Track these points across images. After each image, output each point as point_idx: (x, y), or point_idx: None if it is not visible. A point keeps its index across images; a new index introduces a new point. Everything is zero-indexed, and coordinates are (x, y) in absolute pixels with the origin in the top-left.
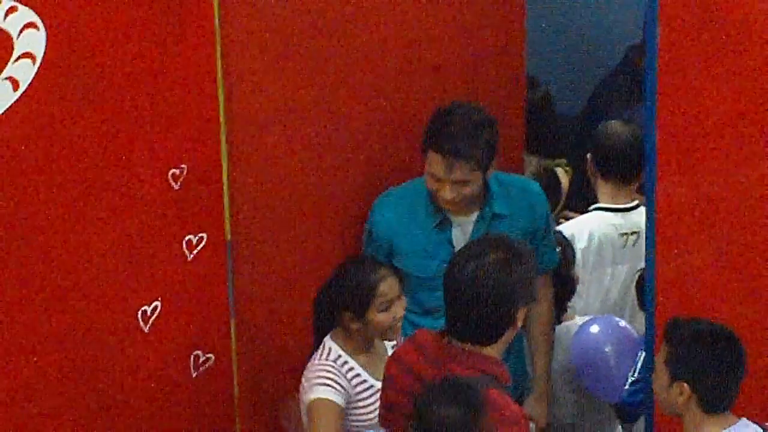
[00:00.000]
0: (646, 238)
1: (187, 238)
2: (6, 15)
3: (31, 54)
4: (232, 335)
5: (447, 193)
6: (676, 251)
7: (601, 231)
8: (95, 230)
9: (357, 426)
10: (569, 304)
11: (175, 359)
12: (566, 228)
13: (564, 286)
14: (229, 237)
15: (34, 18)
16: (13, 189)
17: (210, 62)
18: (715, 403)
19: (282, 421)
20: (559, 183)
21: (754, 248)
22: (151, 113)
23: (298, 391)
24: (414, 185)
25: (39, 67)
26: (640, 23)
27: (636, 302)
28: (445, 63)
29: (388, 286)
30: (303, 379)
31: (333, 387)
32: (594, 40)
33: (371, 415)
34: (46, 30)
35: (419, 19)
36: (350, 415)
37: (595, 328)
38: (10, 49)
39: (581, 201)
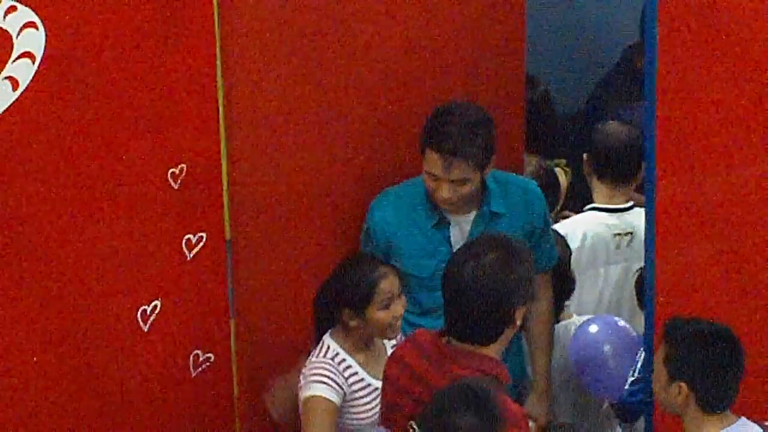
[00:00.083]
0: (646, 237)
1: (186, 237)
2: (5, 14)
3: (31, 53)
4: (232, 335)
5: (444, 193)
6: (675, 251)
7: (595, 231)
8: (95, 229)
9: (354, 424)
10: (565, 303)
11: (174, 359)
12: (560, 227)
13: (563, 285)
14: (228, 236)
15: (34, 17)
16: (13, 188)
17: (209, 61)
18: (714, 402)
19: (267, 405)
20: (558, 183)
21: (754, 248)
22: (151, 112)
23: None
24: (412, 185)
25: (38, 67)
26: (638, 23)
27: (631, 302)
28: (445, 63)
29: (389, 283)
30: (300, 376)
31: (328, 384)
32: (593, 40)
33: (369, 413)
34: (45, 29)
35: (419, 19)
36: (347, 413)
37: (593, 328)
38: (10, 48)
39: (580, 201)
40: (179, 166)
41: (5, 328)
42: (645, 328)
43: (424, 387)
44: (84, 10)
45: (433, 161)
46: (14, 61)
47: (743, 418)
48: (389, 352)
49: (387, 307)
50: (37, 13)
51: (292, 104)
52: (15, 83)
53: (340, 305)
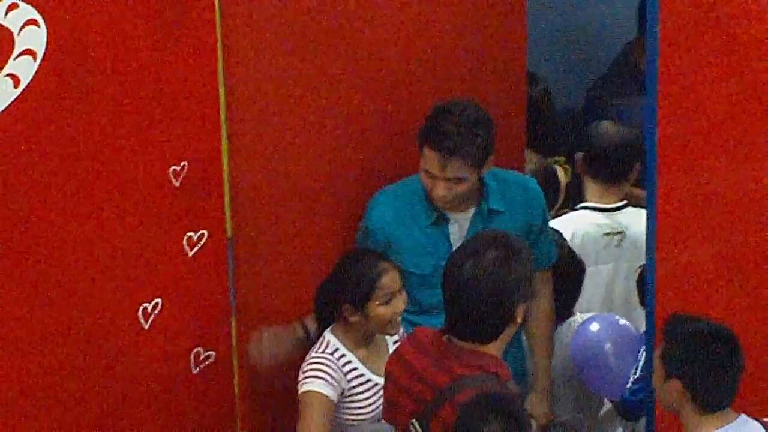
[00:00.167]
0: (647, 236)
1: (187, 235)
2: (7, 12)
3: (32, 51)
4: (233, 332)
5: (440, 190)
6: (676, 249)
7: (584, 230)
8: (96, 227)
9: (353, 420)
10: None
11: (175, 356)
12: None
13: (570, 285)
14: (229, 234)
15: (35, 15)
16: (14, 186)
17: (211, 59)
18: (709, 401)
19: (251, 351)
20: (558, 181)
21: (754, 246)
22: (152, 110)
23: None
24: (410, 182)
25: (40, 64)
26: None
27: (623, 302)
28: (445, 61)
29: (390, 279)
30: (300, 371)
31: (325, 380)
32: (592, 37)
33: (368, 409)
34: (46, 27)
35: (419, 18)
36: (346, 408)
37: (595, 326)
38: (11, 46)
39: (580, 199)
40: (180, 164)
41: (6, 326)
42: (646, 326)
43: (425, 385)
44: (85, 7)
45: (431, 159)
46: (15, 58)
47: (743, 416)
48: (391, 348)
49: (388, 302)
50: (38, 11)
51: (293, 102)
52: (16, 80)
53: (340, 301)
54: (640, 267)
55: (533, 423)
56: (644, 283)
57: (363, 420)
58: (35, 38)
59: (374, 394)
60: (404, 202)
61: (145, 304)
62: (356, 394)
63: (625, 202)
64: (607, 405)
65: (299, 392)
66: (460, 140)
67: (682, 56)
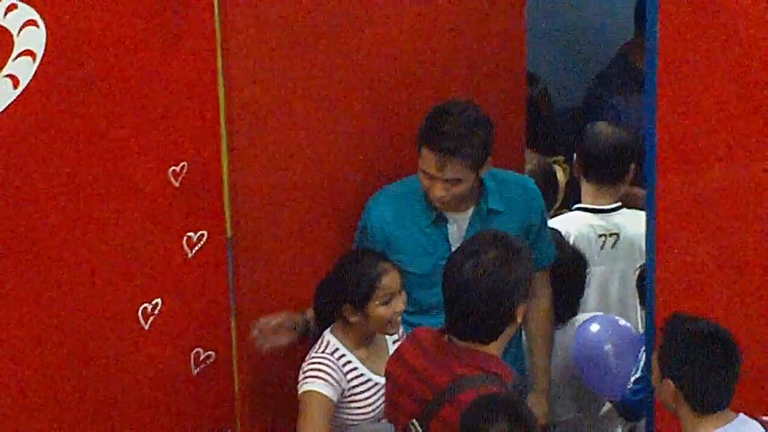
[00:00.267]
0: (646, 236)
1: (187, 235)
2: (6, 12)
3: (31, 51)
4: (233, 332)
5: (438, 191)
6: (676, 249)
7: (579, 231)
8: (96, 228)
9: (354, 420)
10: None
11: (175, 356)
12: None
13: (574, 284)
14: (229, 234)
15: (34, 15)
16: (13, 186)
17: (210, 59)
18: (703, 402)
19: (252, 332)
20: (557, 180)
21: (754, 246)
22: (152, 110)
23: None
24: (409, 182)
25: (39, 65)
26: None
27: (617, 303)
28: (445, 61)
29: (390, 279)
30: (300, 372)
31: (325, 380)
32: (592, 37)
33: (368, 409)
34: (46, 27)
35: (419, 19)
36: (346, 408)
37: (595, 327)
38: (10, 46)
39: (578, 199)
40: (180, 164)
41: (6, 327)
42: (645, 327)
43: (425, 385)
44: (85, 7)
45: (429, 159)
46: (15, 59)
47: (742, 416)
48: (390, 347)
49: (388, 302)
50: (37, 11)
51: (292, 102)
52: (16, 81)
53: (340, 301)
54: (639, 268)
55: None
56: (644, 284)
57: (363, 420)
58: (34, 39)
59: (374, 394)
60: (403, 201)
61: (145, 305)
62: (356, 394)
63: (620, 203)
64: (608, 405)
65: (299, 392)
66: (459, 141)
67: (682, 56)
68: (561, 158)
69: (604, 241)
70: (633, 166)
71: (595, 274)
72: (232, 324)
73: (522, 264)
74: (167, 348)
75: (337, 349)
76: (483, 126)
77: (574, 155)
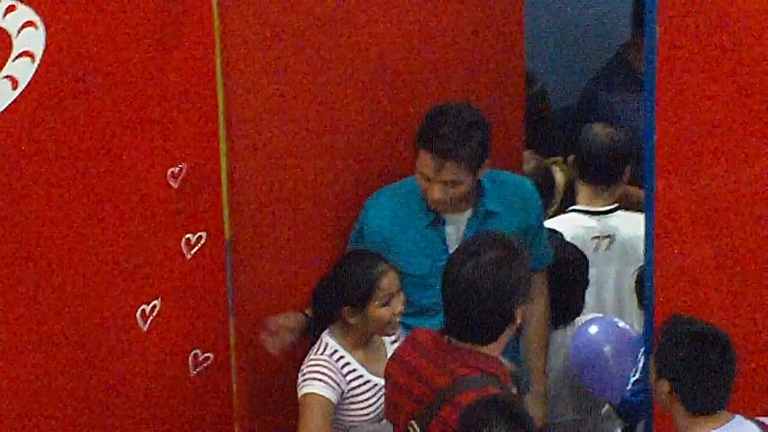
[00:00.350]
0: (645, 236)
1: (186, 236)
2: (5, 13)
3: (30, 53)
4: (231, 334)
5: (435, 193)
6: (675, 250)
7: (573, 233)
8: (94, 229)
9: (353, 421)
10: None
11: (174, 358)
12: None
13: (577, 285)
14: (228, 236)
15: (33, 16)
16: (12, 187)
17: (209, 61)
18: (698, 404)
19: (262, 335)
20: (554, 181)
21: (753, 247)
22: (151, 112)
23: (296, 389)
24: (407, 183)
25: (38, 66)
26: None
27: (612, 305)
28: (444, 62)
29: (389, 280)
30: (299, 374)
31: (325, 382)
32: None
33: (368, 410)
34: (45, 28)
35: (418, 19)
36: (346, 410)
37: (593, 329)
38: (9, 47)
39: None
40: (179, 166)
41: (4, 327)
42: (644, 328)
43: (425, 386)
44: (84, 9)
45: (426, 161)
46: (14, 60)
47: (738, 416)
48: (389, 348)
49: (387, 303)
50: (36, 12)
51: (291, 104)
52: (14, 82)
53: (340, 302)
54: (638, 270)
55: None
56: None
57: (363, 421)
58: (34, 40)
59: (374, 395)
60: (401, 203)
61: (144, 306)
62: (356, 395)
63: (615, 205)
64: (607, 405)
65: (299, 395)
66: (456, 143)
67: (681, 56)
68: (560, 159)
69: (598, 243)
70: (628, 167)
71: (589, 275)
72: (231, 325)
73: (521, 265)
74: (165, 349)
75: (335, 351)
76: (481, 127)
77: (569, 157)
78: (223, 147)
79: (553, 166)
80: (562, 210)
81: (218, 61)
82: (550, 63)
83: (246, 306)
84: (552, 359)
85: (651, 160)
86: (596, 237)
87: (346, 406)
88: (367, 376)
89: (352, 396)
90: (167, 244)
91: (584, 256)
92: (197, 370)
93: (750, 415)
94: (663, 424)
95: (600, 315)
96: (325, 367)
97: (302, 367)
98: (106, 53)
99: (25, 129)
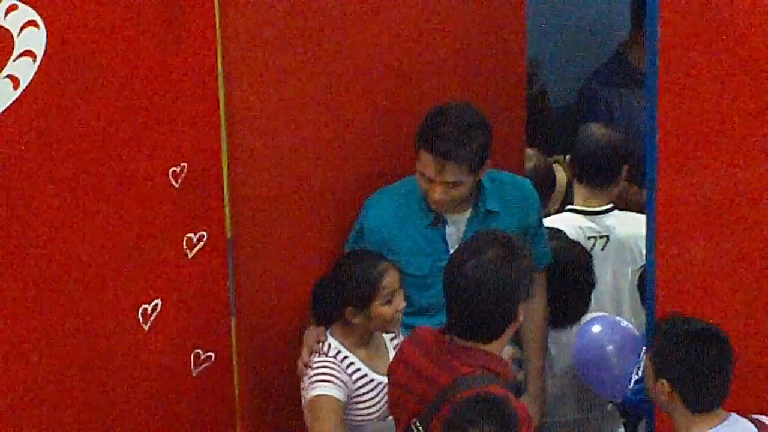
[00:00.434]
0: (647, 236)
1: (187, 236)
2: (6, 13)
3: (32, 52)
4: (233, 334)
5: (436, 194)
6: (676, 249)
7: (568, 233)
8: (95, 229)
9: (360, 420)
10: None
11: (175, 358)
12: None
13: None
14: (229, 235)
15: (35, 16)
16: (14, 187)
17: (210, 60)
18: (697, 402)
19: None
20: (555, 180)
21: (755, 247)
22: (152, 111)
23: (298, 389)
24: (407, 183)
25: (39, 65)
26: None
27: (614, 304)
28: (445, 61)
29: (391, 278)
30: (303, 377)
31: (333, 383)
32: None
33: (374, 409)
34: (46, 28)
35: (418, 18)
36: (353, 409)
37: (596, 328)
38: (11, 47)
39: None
40: (180, 165)
41: (6, 327)
42: (646, 327)
43: (428, 384)
44: (85, 8)
45: (427, 162)
46: (15, 59)
47: (734, 415)
48: (389, 345)
49: (389, 302)
50: (38, 12)
51: (292, 103)
52: (16, 82)
53: (341, 303)
54: (640, 268)
55: None
56: (644, 285)
57: (369, 420)
58: (35, 39)
59: (378, 394)
60: (401, 203)
61: (145, 306)
62: (362, 394)
63: (611, 205)
64: (611, 404)
65: (308, 398)
66: (457, 144)
67: (682, 56)
68: (561, 158)
69: (594, 243)
70: (626, 168)
71: None
72: (232, 325)
73: (522, 262)
74: (167, 349)
75: (339, 352)
76: (482, 128)
77: (568, 157)
78: (224, 146)
79: (555, 165)
80: (561, 209)
81: (219, 60)
82: (550, 62)
83: (247, 305)
84: (557, 359)
85: (652, 159)
86: (592, 237)
87: (352, 406)
88: (371, 374)
89: (358, 395)
90: (169, 244)
91: (589, 256)
92: (199, 369)
93: (752, 413)
94: (664, 422)
95: (604, 314)
96: (331, 368)
97: (306, 369)
98: (108, 53)
99: (26, 129)
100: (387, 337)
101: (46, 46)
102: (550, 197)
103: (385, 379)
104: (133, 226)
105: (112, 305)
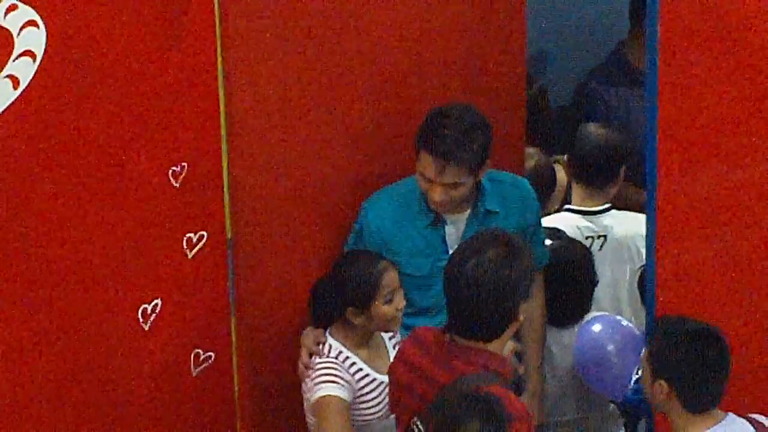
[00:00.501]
0: (647, 236)
1: (187, 236)
2: (6, 13)
3: (32, 52)
4: (233, 333)
5: (436, 195)
6: (676, 249)
7: (566, 232)
8: (95, 228)
9: (363, 420)
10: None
11: (175, 357)
12: None
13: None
14: (229, 235)
15: (34, 16)
16: (14, 187)
17: (210, 60)
18: (696, 402)
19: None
20: (555, 179)
21: (755, 246)
22: (152, 111)
23: (298, 389)
24: (406, 184)
25: (39, 65)
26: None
27: (613, 304)
28: (445, 62)
29: (390, 276)
30: (306, 378)
31: (338, 383)
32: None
33: (377, 408)
34: (46, 28)
35: (419, 18)
36: (357, 409)
37: (597, 327)
38: (11, 47)
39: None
40: (180, 165)
41: (5, 327)
42: (646, 327)
43: (429, 384)
44: (85, 8)
45: (427, 163)
46: (15, 59)
47: (731, 415)
48: (388, 344)
49: (390, 301)
50: (38, 12)
51: (292, 103)
52: (16, 82)
53: (342, 304)
54: (641, 267)
55: None
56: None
57: (372, 419)
58: (35, 39)
59: (380, 393)
60: (401, 203)
61: (145, 305)
62: (365, 394)
63: (609, 205)
64: (612, 404)
65: (313, 399)
66: (458, 146)
67: (682, 56)
68: (562, 157)
69: (591, 243)
70: (623, 168)
71: None
72: (232, 325)
73: (523, 261)
74: (167, 349)
75: (340, 352)
76: (482, 130)
77: (566, 157)
78: (224, 146)
79: (556, 164)
80: (560, 209)
81: (219, 60)
82: (552, 61)
83: (247, 305)
84: (559, 358)
85: (652, 159)
86: (589, 237)
87: (356, 406)
88: (373, 374)
89: (362, 395)
90: (168, 244)
91: (590, 254)
92: (199, 369)
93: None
94: (664, 422)
95: (604, 313)
96: (334, 368)
97: (310, 371)
98: (108, 53)
99: (26, 128)
100: (386, 336)
101: (45, 46)
102: (551, 197)
103: (386, 378)
104: (133, 226)
105: (112, 305)
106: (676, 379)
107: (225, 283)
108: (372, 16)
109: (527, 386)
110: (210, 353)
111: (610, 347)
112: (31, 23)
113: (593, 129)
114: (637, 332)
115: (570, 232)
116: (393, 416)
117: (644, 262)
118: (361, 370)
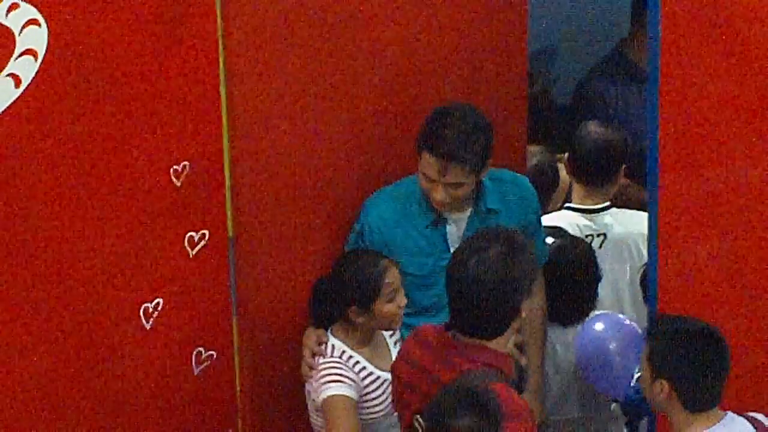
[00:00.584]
0: (649, 235)
1: (189, 234)
2: (8, 11)
3: (33, 51)
4: (234, 332)
5: (438, 195)
6: (678, 249)
7: None
8: (97, 227)
9: (371, 418)
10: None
11: (177, 356)
12: None
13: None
14: (231, 234)
15: (36, 15)
16: (15, 186)
17: (212, 58)
18: (696, 401)
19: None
20: (557, 178)
21: (757, 245)
22: (153, 110)
23: (300, 388)
24: (407, 183)
25: (41, 64)
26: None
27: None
28: (446, 61)
29: (392, 275)
30: (311, 379)
31: (344, 382)
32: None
33: (382, 406)
34: (47, 27)
35: (420, 18)
36: (363, 408)
37: (599, 325)
38: (12, 45)
39: None
40: (182, 164)
41: (7, 326)
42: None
43: (431, 382)
44: (87, 7)
45: (429, 164)
46: (17, 58)
47: (730, 414)
48: (389, 342)
49: (392, 299)
50: (39, 10)
51: (294, 102)
52: (17, 80)
53: (344, 303)
54: (643, 266)
55: None
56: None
57: (377, 417)
58: (36, 38)
59: (384, 391)
60: (402, 203)
61: (147, 304)
62: (370, 392)
63: (608, 203)
64: (614, 403)
65: (320, 399)
66: (460, 146)
67: (684, 55)
68: (564, 156)
69: (591, 242)
70: (623, 167)
71: None
72: (234, 323)
73: (525, 259)
74: (168, 347)
75: (344, 352)
76: (484, 130)
77: (566, 156)
78: (225, 145)
79: (560, 163)
80: (562, 207)
81: (221, 59)
82: (552, 61)
83: (249, 303)
84: (562, 357)
85: (654, 158)
86: (589, 235)
87: (362, 405)
88: (377, 372)
89: (367, 393)
90: (170, 242)
91: (592, 251)
92: (200, 368)
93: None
94: (666, 421)
95: (606, 312)
96: (340, 368)
97: (312, 372)
98: (109, 51)
99: (28, 127)
100: (386, 334)
101: (47, 45)
102: (553, 195)
103: (388, 375)
104: (135, 225)
105: (114, 304)
106: (676, 379)
107: (226, 281)
108: (373, 16)
109: (528, 383)
110: (211, 352)
111: (612, 346)
112: (33, 22)
113: (593, 127)
114: (640, 331)
115: (570, 230)
116: (396, 414)
117: (645, 260)
118: (365, 368)
